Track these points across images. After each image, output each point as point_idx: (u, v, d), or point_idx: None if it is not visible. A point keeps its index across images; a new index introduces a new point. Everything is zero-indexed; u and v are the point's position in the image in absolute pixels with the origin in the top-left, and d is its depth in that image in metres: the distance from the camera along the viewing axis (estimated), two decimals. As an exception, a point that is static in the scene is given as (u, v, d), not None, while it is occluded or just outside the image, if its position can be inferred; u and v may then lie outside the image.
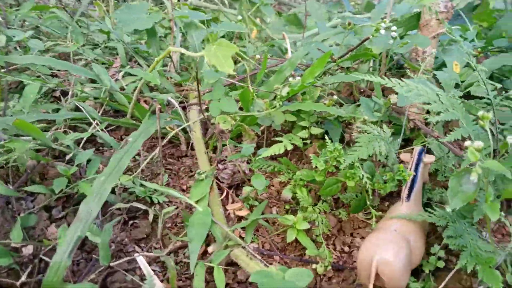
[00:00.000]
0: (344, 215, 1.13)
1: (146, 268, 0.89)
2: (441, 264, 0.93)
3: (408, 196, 0.96)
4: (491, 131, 0.79)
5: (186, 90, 1.61)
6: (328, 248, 1.09)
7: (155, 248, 1.07)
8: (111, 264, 0.87)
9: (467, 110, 0.94)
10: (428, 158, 1.02)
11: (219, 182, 1.25)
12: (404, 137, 1.28)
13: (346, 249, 1.09)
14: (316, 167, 1.03)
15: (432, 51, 1.31)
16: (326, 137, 1.07)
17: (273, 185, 1.26)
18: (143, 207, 0.99)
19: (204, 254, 1.04)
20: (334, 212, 1.15)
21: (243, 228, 1.11)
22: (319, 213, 1.05)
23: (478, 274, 0.80)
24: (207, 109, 1.50)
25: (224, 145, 1.33)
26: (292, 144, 1.12)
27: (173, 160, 1.42)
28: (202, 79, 1.53)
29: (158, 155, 1.14)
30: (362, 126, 1.04)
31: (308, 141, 1.24)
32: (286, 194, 1.09)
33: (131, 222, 1.12)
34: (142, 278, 0.94)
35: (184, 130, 1.47)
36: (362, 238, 1.11)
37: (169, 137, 1.19)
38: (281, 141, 1.13)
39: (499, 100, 1.03)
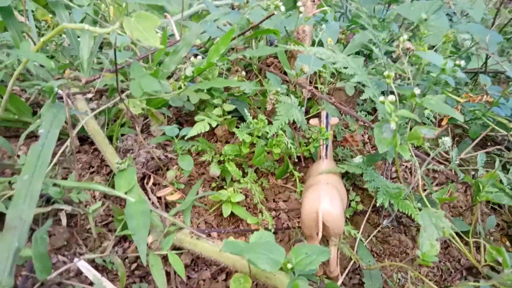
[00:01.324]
0: (266, 183, 1.20)
1: (90, 272, 0.78)
2: (360, 207, 1.09)
3: (326, 154, 1.09)
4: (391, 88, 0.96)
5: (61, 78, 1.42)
6: (257, 215, 1.15)
7: (80, 254, 0.94)
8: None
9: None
10: (333, 120, 1.16)
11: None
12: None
13: (273, 213, 1.17)
14: (243, 140, 1.06)
15: (310, 29, 1.47)
16: (245, 111, 1.11)
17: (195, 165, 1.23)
18: (67, 207, 0.85)
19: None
20: (258, 182, 1.21)
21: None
22: (253, 183, 1.09)
23: (393, 206, 0.98)
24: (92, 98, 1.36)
25: (136, 133, 1.23)
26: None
27: (64, 158, 1.24)
28: (82, 65, 1.37)
29: (69, 148, 0.99)
30: (277, 97, 1.12)
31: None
32: (214, 170, 1.10)
33: (42, 231, 0.95)
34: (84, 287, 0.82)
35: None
36: (284, 201, 1.20)
37: (78, 128, 1.03)
38: (200, 120, 1.11)
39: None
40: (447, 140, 0.83)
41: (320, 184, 0.97)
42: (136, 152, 1.18)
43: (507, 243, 1.31)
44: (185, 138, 1.05)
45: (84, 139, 1.34)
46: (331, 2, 2.04)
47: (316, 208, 0.90)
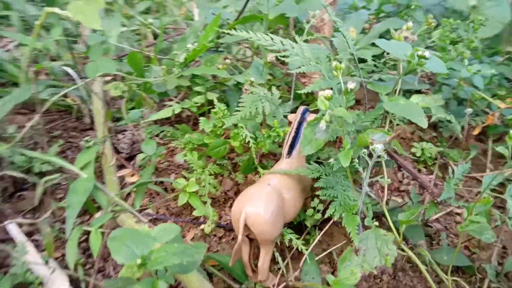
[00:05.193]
0: (240, 178, 1.15)
1: (18, 236, 0.86)
2: (318, 216, 0.97)
3: (289, 152, 0.98)
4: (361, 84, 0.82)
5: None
6: (224, 210, 1.11)
7: (43, 219, 1.04)
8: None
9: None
10: (311, 117, 1.04)
11: (119, 152, 1.23)
12: (302, 102, 1.32)
13: (241, 210, 1.11)
14: (203, 129, 1.03)
15: (329, 18, 1.34)
16: (215, 101, 1.07)
17: (171, 153, 1.25)
18: (21, 175, 0.95)
19: (92, 222, 1.03)
20: (232, 175, 1.16)
21: (138, 195, 1.11)
22: (209, 175, 1.06)
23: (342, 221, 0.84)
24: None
25: (118, 116, 1.30)
26: (186, 108, 1.11)
27: (76, 133, 1.38)
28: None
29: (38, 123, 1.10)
30: (250, 87, 1.05)
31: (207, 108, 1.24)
32: (179, 158, 1.09)
33: (18, 194, 1.08)
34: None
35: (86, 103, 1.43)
36: (257, 198, 1.13)
37: (48, 104, 1.12)
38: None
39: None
40: (378, 148, 0.68)
41: (260, 184, 0.89)
42: (125, 134, 1.25)
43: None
44: (147, 120, 1.06)
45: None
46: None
47: (241, 209, 0.83)
